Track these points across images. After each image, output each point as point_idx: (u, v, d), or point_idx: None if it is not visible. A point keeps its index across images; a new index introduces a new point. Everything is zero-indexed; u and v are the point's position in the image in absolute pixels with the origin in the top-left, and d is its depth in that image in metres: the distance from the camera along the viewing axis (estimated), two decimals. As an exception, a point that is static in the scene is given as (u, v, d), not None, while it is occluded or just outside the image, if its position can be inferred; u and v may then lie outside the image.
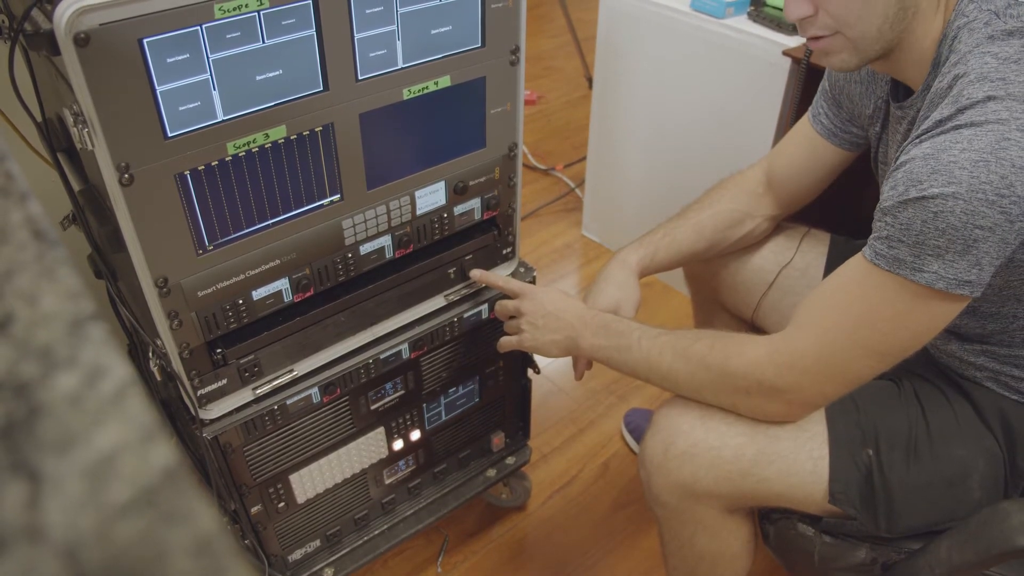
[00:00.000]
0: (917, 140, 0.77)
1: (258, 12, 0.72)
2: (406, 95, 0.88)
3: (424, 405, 1.17)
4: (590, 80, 2.48)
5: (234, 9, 0.71)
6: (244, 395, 0.94)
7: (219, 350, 0.89)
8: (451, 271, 1.08)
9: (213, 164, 0.77)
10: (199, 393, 0.90)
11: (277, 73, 0.77)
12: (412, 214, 0.98)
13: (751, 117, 1.60)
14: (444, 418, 1.22)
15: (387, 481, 1.20)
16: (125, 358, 0.22)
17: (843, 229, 1.21)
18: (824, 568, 0.96)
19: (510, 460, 1.36)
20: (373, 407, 1.10)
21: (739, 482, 0.92)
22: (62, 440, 0.20)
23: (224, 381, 0.91)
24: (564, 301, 1.03)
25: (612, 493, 1.54)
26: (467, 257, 1.08)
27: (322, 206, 0.89)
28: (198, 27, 0.69)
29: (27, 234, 0.26)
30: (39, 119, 0.87)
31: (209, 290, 0.84)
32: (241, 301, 0.88)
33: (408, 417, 1.16)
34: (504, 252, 1.13)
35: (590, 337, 0.99)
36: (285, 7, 0.74)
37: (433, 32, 0.86)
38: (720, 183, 1.20)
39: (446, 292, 1.10)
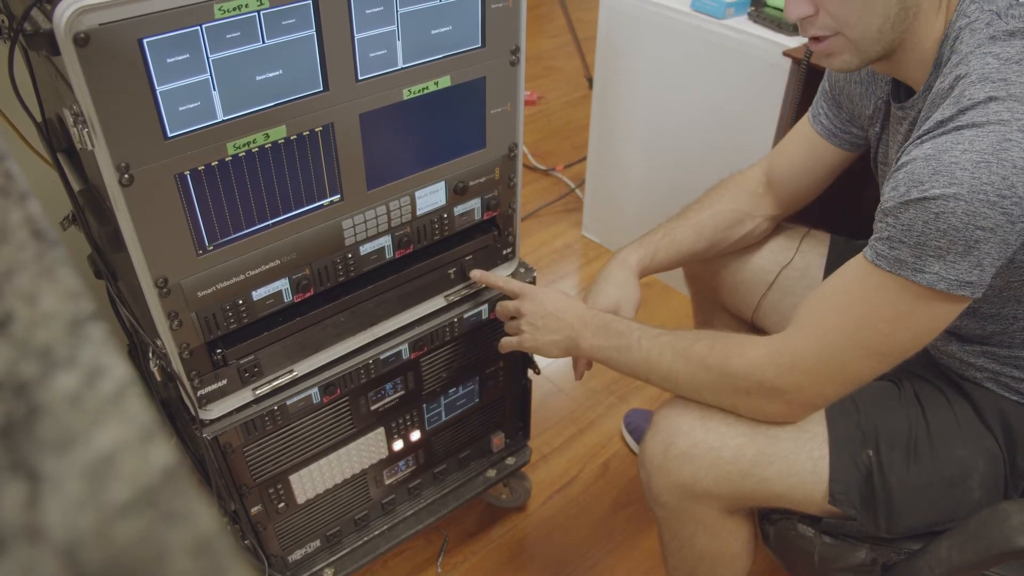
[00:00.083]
0: (918, 141, 0.77)
1: (258, 12, 0.72)
2: (406, 95, 0.88)
3: (424, 405, 1.17)
4: (590, 80, 2.49)
5: (234, 9, 0.71)
6: (244, 395, 0.94)
7: (219, 350, 0.89)
8: (451, 271, 1.08)
9: (213, 164, 0.77)
10: (199, 393, 0.90)
11: (277, 73, 0.77)
12: (412, 214, 0.98)
13: (751, 117, 1.60)
14: (444, 418, 1.22)
15: (387, 481, 1.20)
16: (125, 358, 0.22)
17: (843, 229, 1.21)
18: (824, 568, 0.96)
19: (510, 460, 1.36)
20: (373, 407, 1.09)
21: (739, 482, 0.92)
22: (62, 440, 0.20)
23: (224, 381, 0.91)
24: (564, 301, 1.03)
25: (612, 493, 1.54)
26: (467, 257, 1.08)
27: (322, 206, 0.89)
28: (198, 27, 0.69)
29: (27, 234, 0.26)
30: (39, 119, 0.87)
31: (209, 290, 0.84)
32: (241, 301, 0.87)
33: (408, 417, 1.16)
34: (504, 252, 1.13)
35: (590, 337, 0.99)
36: (285, 7, 0.74)
37: (433, 32, 0.86)
38: (720, 183, 1.20)
39: (446, 292, 1.09)
